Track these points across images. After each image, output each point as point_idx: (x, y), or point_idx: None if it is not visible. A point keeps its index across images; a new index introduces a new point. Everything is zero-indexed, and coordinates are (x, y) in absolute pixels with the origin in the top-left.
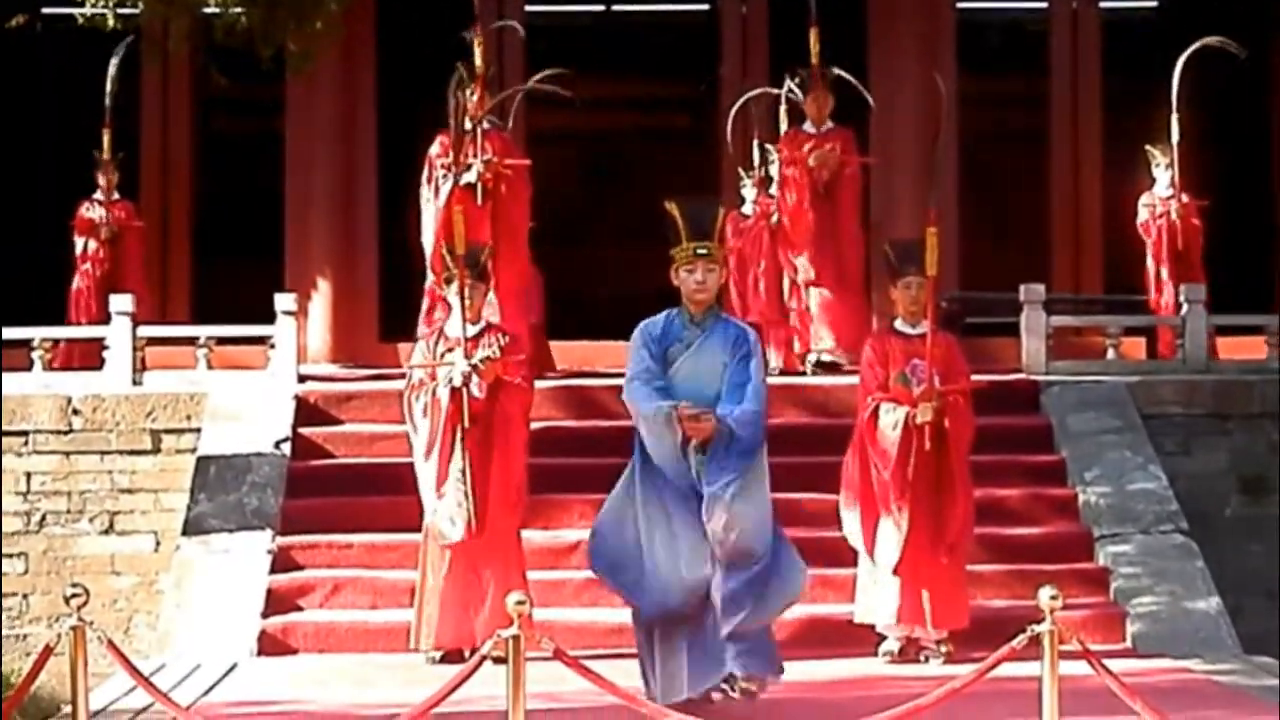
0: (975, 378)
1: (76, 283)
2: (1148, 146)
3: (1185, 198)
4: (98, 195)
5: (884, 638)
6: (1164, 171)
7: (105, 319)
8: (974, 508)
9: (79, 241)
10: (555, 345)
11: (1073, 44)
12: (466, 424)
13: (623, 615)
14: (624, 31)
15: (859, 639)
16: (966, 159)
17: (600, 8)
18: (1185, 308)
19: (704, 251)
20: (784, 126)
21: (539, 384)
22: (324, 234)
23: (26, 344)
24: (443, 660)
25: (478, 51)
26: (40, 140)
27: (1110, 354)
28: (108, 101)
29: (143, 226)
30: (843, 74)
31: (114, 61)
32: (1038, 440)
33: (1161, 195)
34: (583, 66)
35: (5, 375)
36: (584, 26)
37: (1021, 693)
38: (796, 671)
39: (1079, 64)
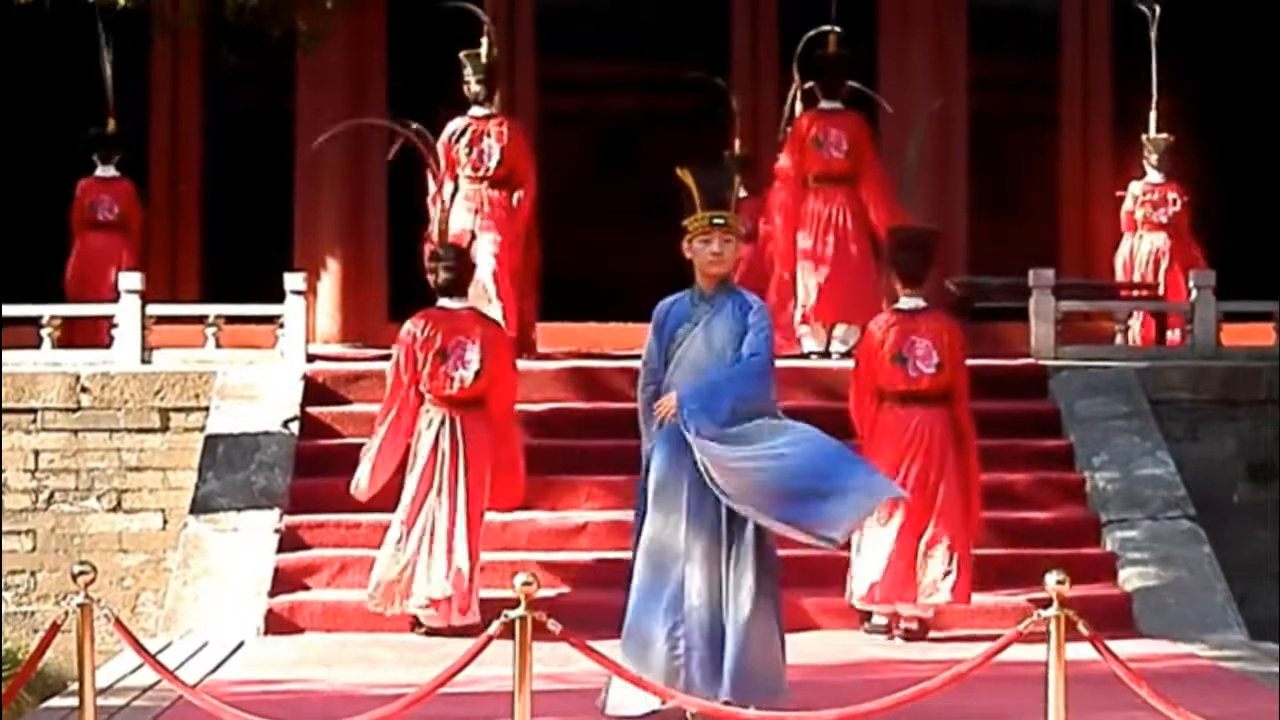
0: (984, 362)
1: (74, 261)
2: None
3: (1155, 179)
4: (98, 173)
5: (869, 615)
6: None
7: (107, 298)
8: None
9: (78, 220)
10: (563, 327)
11: (1083, 26)
12: None
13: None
14: (634, 12)
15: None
16: (976, 142)
17: None
18: (1194, 293)
19: (720, 221)
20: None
21: (545, 365)
22: (333, 214)
23: (35, 321)
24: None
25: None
26: (43, 118)
27: (1119, 339)
28: (109, 91)
29: (141, 206)
30: (859, 86)
31: (107, 57)
32: (1046, 425)
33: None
34: (593, 48)
35: (15, 353)
36: (594, 7)
37: (1028, 677)
38: (800, 651)
39: (1089, 47)
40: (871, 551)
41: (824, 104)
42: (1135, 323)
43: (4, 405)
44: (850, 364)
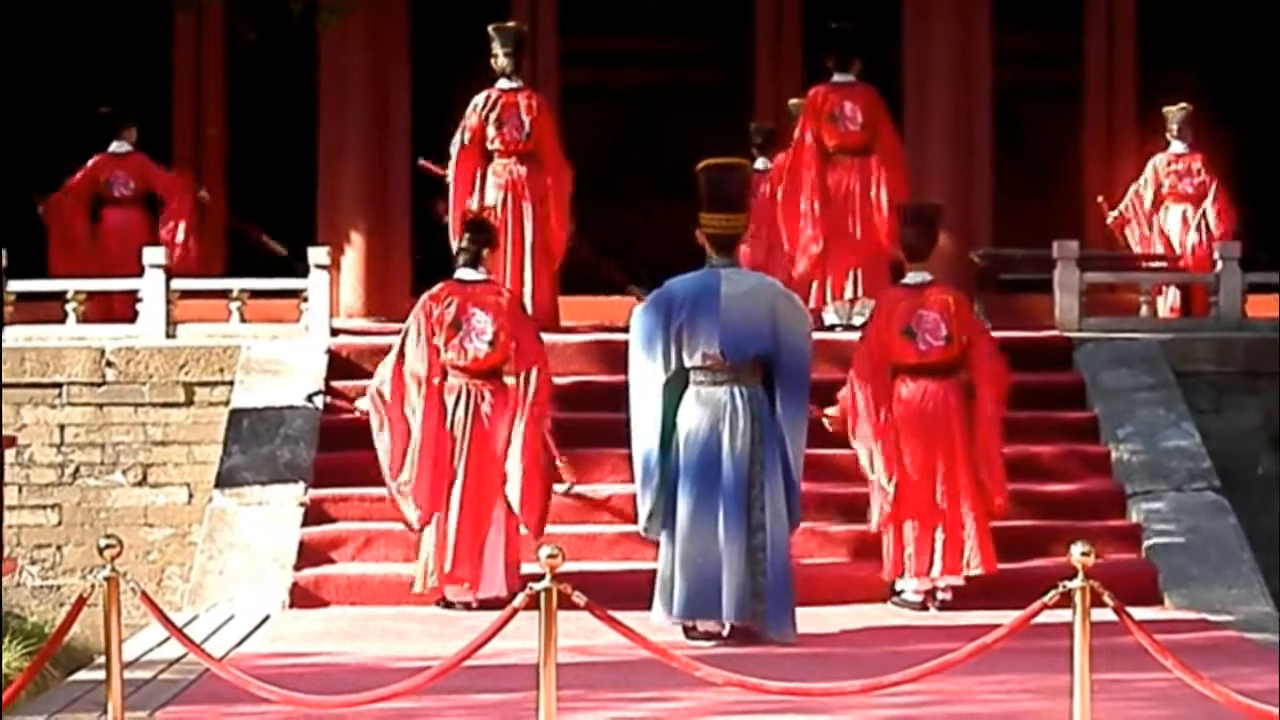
0: (1009, 334)
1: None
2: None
3: (1177, 149)
4: (112, 149)
5: (894, 588)
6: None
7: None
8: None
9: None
10: (588, 300)
11: None
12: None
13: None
14: None
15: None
16: (1001, 114)
17: None
18: (1219, 265)
19: (728, 220)
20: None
21: (569, 339)
22: (357, 188)
23: (60, 296)
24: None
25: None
26: (64, 95)
27: (1144, 311)
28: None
29: (163, 181)
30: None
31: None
32: (1071, 397)
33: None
34: (615, 22)
35: (41, 328)
36: None
37: (1053, 649)
38: (827, 624)
39: (1114, 18)
40: (908, 528)
41: (837, 77)
42: (1169, 296)
43: (30, 380)
44: None
